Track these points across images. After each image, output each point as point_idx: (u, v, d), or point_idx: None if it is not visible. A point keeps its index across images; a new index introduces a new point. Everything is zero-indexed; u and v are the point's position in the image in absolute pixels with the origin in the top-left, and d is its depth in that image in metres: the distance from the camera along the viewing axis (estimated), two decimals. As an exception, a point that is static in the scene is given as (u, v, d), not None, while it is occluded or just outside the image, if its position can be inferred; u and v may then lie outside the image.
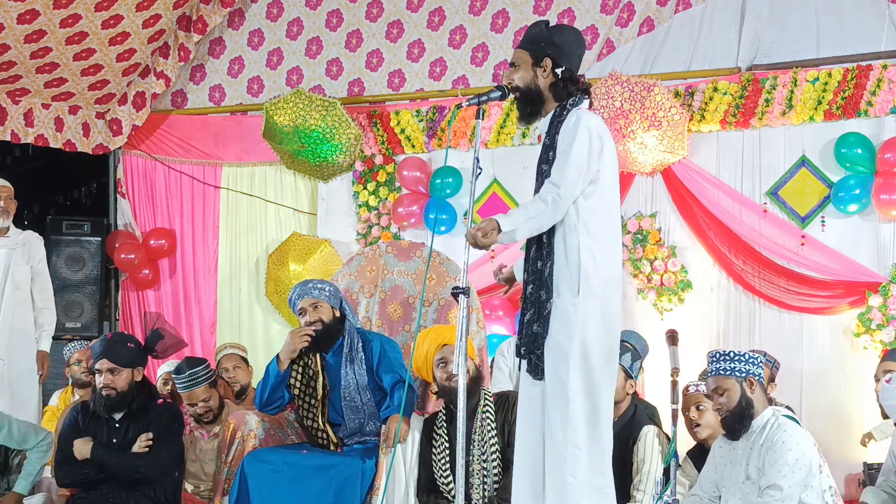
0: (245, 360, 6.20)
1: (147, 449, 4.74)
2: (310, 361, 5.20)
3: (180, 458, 4.98)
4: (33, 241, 6.46)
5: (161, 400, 5.00)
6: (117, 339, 4.99)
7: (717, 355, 4.30)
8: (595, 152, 3.81)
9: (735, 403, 4.20)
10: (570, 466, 3.74)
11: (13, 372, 6.25)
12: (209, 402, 5.42)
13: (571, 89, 3.91)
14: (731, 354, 4.27)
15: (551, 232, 3.86)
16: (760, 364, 4.28)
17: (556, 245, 3.85)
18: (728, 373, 4.22)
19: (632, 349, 4.95)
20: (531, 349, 3.87)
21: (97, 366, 4.80)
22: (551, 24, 4.01)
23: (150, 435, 4.76)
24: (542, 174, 3.90)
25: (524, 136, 6.83)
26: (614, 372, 3.96)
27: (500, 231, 3.74)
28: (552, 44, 3.91)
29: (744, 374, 4.21)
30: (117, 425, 4.82)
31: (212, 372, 5.52)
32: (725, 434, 4.33)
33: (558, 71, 3.89)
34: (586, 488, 3.75)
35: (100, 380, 4.79)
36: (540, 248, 3.90)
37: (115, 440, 4.79)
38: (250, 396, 5.92)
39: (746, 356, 4.26)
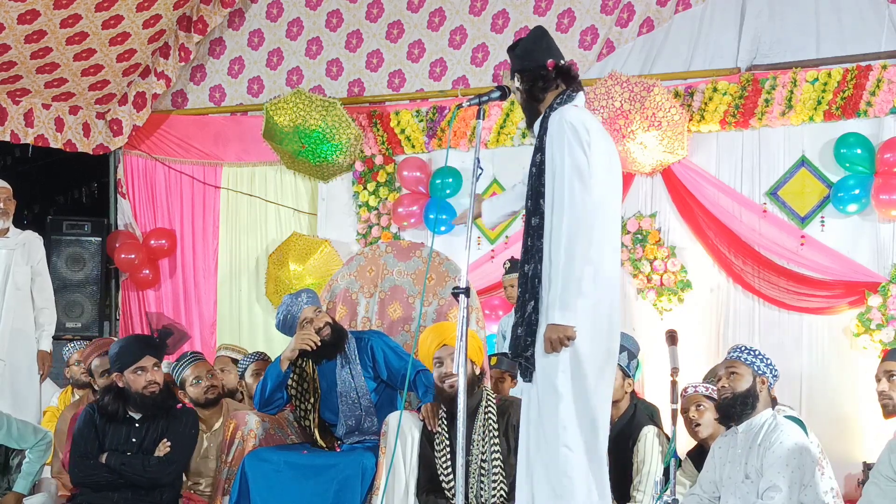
0: (235, 361, 6.19)
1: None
2: (304, 364, 5.21)
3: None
4: (33, 241, 6.46)
5: (180, 405, 5.01)
6: (147, 338, 5.00)
7: (743, 346, 4.42)
8: (584, 144, 3.75)
9: (741, 389, 4.26)
10: (563, 466, 3.72)
11: (14, 372, 6.26)
12: (206, 379, 5.40)
13: (540, 96, 3.96)
14: (756, 351, 4.37)
15: (539, 234, 3.79)
16: (776, 375, 4.39)
17: (542, 246, 3.78)
18: (748, 362, 4.31)
19: (627, 349, 4.95)
20: (518, 353, 3.84)
21: (141, 363, 4.76)
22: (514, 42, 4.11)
23: (169, 443, 4.77)
24: (531, 176, 3.89)
25: (524, 136, 6.82)
26: (611, 376, 3.93)
27: (564, 326, 3.67)
28: (515, 59, 4.02)
29: (761, 371, 4.30)
30: (137, 425, 4.82)
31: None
32: (718, 418, 4.40)
33: (518, 85, 3.99)
34: (584, 486, 3.74)
35: (143, 378, 4.75)
36: (526, 250, 3.83)
37: (134, 440, 4.79)
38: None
39: (769, 360, 4.36)
